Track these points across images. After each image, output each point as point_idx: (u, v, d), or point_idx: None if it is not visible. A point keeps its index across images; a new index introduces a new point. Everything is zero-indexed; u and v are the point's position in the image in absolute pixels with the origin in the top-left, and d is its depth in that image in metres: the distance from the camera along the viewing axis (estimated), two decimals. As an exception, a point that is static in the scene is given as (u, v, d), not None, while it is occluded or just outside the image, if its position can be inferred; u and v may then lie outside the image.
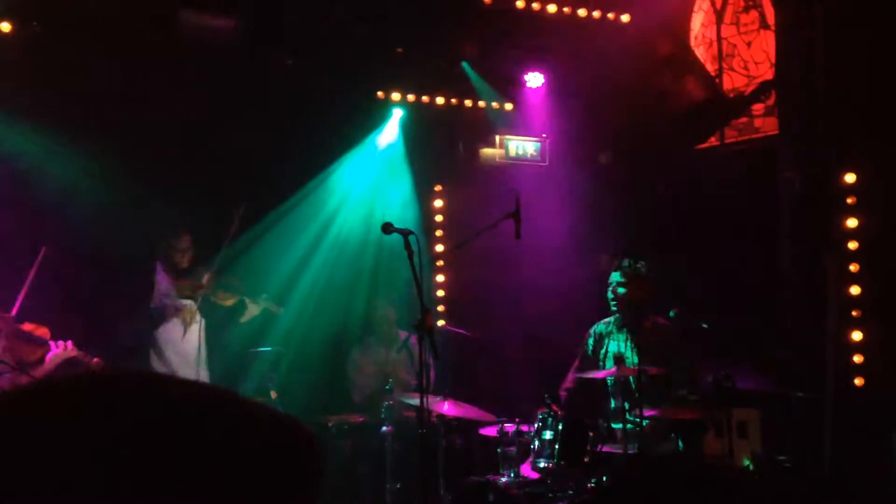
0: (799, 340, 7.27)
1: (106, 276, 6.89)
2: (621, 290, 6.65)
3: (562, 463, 5.84)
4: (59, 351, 5.60)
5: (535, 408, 6.09)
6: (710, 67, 8.84)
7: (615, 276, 6.69)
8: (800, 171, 7.30)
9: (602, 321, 6.93)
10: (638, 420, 6.13)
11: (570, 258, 8.18)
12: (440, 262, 8.72)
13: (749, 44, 8.86)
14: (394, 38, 7.96)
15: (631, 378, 6.41)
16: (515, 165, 8.55)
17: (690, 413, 6.14)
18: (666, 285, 6.94)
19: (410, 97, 8.37)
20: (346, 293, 8.17)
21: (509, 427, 6.20)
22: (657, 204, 8.68)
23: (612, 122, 8.56)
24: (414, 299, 5.08)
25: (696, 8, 9.16)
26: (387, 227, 5.07)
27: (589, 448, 5.87)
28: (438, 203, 8.90)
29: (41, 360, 5.61)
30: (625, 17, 8.31)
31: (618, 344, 6.73)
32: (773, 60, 8.28)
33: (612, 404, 6.64)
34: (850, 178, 7.06)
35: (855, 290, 7.03)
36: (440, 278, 8.79)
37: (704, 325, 6.33)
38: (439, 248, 8.74)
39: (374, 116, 8.40)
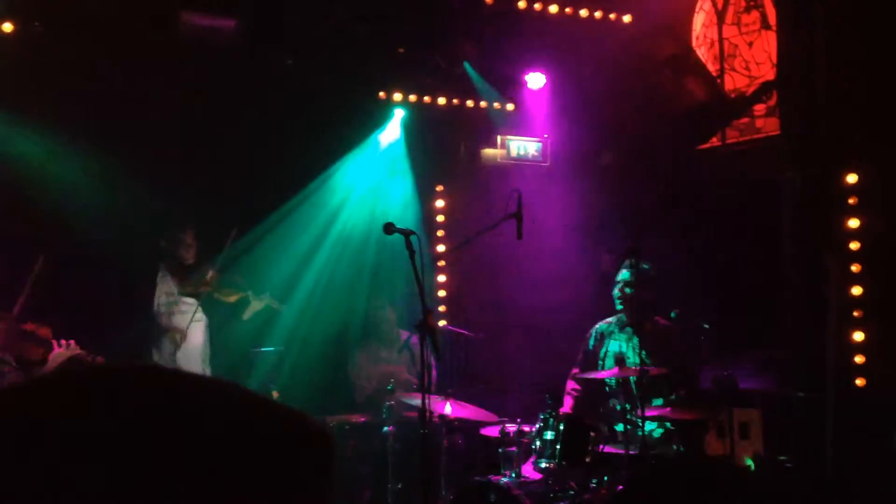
0: (800, 341, 7.26)
1: (107, 276, 6.89)
2: (629, 290, 6.63)
3: (563, 463, 5.84)
4: (62, 350, 5.60)
5: (537, 408, 6.09)
6: (712, 68, 8.84)
7: (624, 275, 6.67)
8: (801, 171, 7.29)
9: (603, 321, 6.93)
10: (639, 420, 6.12)
11: (571, 258, 8.18)
12: (441, 263, 8.72)
13: (750, 44, 8.86)
14: (395, 38, 7.97)
15: (632, 378, 6.41)
16: (517, 165, 8.56)
17: (691, 413, 6.13)
18: (667, 286, 6.94)
19: (412, 97, 8.37)
20: (347, 293, 8.18)
21: (511, 427, 6.20)
22: (658, 204, 8.67)
23: (614, 122, 8.56)
24: (415, 299, 5.08)
25: (697, 8, 9.16)
26: (388, 228, 5.07)
27: (590, 448, 5.87)
28: (440, 203, 8.90)
29: (44, 360, 5.60)
30: (626, 18, 8.32)
31: (619, 343, 6.73)
32: (775, 61, 8.28)
33: (613, 404, 6.63)
34: (851, 178, 7.06)
35: (856, 290, 7.02)
36: (441, 278, 8.79)
37: (706, 326, 6.33)
38: (441, 248, 8.74)
39: (375, 117, 8.41)
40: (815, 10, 7.19)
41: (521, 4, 7.95)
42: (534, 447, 5.99)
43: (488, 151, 8.71)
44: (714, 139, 8.96)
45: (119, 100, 7.01)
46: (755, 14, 8.83)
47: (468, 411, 6.32)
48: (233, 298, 7.08)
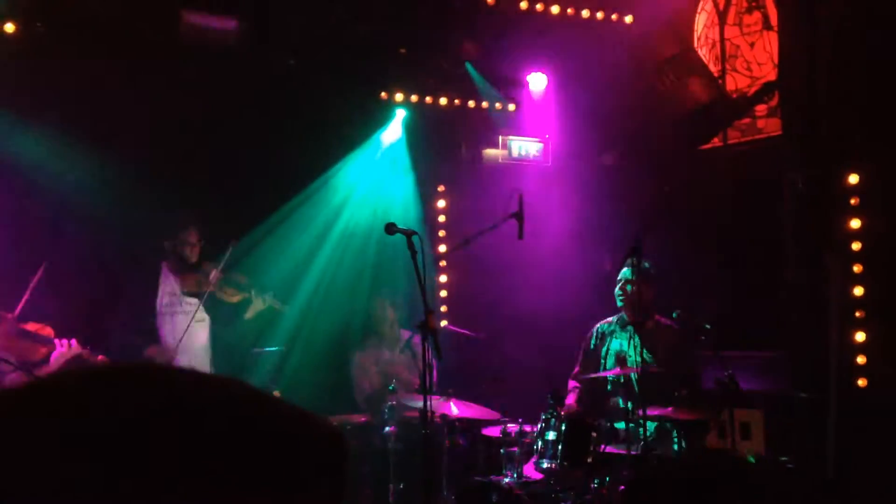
0: (802, 341, 7.25)
1: (109, 276, 6.89)
2: (630, 288, 6.63)
3: (564, 463, 5.84)
4: (64, 350, 5.60)
5: (538, 408, 6.09)
6: (713, 68, 8.83)
7: (626, 273, 6.67)
8: (803, 171, 7.28)
9: (605, 321, 6.93)
10: (640, 420, 6.12)
11: (572, 258, 8.18)
12: (443, 263, 8.73)
13: (752, 45, 8.86)
14: (396, 38, 7.97)
15: (633, 377, 6.41)
16: (518, 166, 8.56)
17: (693, 413, 6.13)
18: (669, 286, 6.94)
19: (413, 98, 8.37)
20: (349, 293, 8.18)
21: (512, 427, 6.20)
22: (660, 204, 8.66)
23: (615, 122, 8.56)
24: (417, 299, 5.08)
25: (699, 9, 9.15)
26: (390, 228, 5.06)
27: (592, 448, 5.87)
28: (441, 203, 8.91)
29: (46, 360, 5.61)
30: (628, 18, 8.32)
31: (620, 342, 6.73)
32: (776, 61, 8.27)
33: (615, 402, 6.63)
34: (853, 178, 7.05)
35: (858, 290, 7.01)
36: (443, 278, 8.79)
37: (707, 326, 6.32)
38: (442, 248, 8.74)
39: (377, 117, 8.41)
40: (817, 10, 7.18)
41: (523, 5, 7.95)
42: (535, 447, 5.99)
43: (490, 152, 8.71)
44: (715, 140, 8.95)
45: (120, 100, 7.01)
46: (757, 15, 8.83)
47: (470, 411, 6.32)
48: (235, 298, 7.07)
